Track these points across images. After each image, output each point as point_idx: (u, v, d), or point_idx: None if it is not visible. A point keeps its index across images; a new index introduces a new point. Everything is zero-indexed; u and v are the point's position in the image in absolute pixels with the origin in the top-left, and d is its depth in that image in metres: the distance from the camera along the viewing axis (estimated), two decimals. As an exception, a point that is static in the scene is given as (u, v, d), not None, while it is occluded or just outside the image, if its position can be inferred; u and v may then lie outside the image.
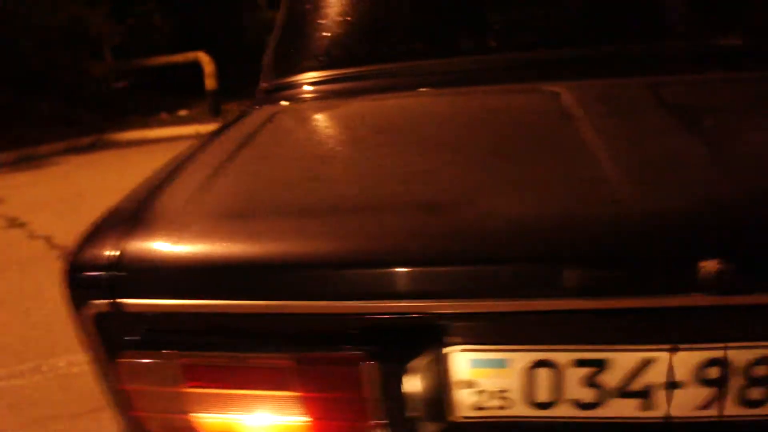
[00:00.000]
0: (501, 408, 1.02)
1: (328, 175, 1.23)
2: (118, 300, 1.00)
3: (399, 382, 0.97)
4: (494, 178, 1.12)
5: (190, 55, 9.80)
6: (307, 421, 1.01)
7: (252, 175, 1.26)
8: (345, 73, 1.79)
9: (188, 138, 8.81)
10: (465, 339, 0.99)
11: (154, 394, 1.05)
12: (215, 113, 9.77)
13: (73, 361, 2.85)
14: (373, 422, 1.00)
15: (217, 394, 1.02)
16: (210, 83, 9.75)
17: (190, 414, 1.04)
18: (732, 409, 0.97)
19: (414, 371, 0.98)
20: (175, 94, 10.69)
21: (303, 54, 1.84)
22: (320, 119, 1.60)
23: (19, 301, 3.64)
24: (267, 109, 1.71)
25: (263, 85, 1.86)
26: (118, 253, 1.02)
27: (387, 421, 1.00)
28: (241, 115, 1.77)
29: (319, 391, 0.99)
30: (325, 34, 1.87)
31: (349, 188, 1.16)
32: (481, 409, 1.02)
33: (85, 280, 1.03)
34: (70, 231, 4.67)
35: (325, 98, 1.72)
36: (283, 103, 1.75)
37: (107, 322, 1.02)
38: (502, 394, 1.01)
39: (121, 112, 9.98)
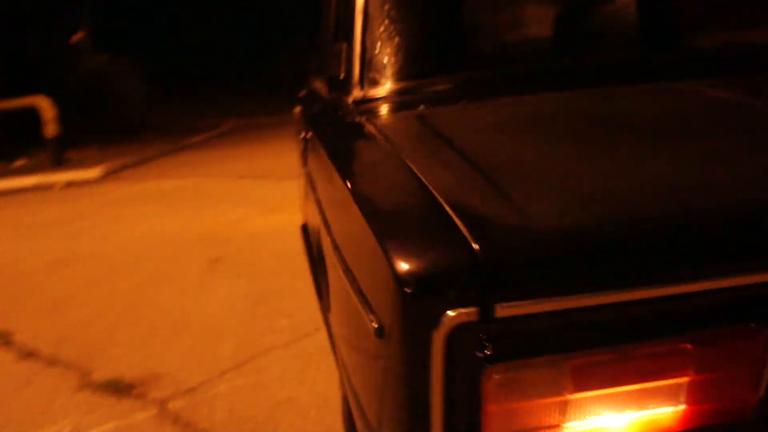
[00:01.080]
0: None
1: (608, 161, 1.19)
2: (491, 305, 0.87)
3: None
4: None
5: (27, 100, 8.97)
6: (691, 405, 0.95)
7: (524, 169, 1.17)
8: (448, 79, 1.75)
9: (30, 190, 8.05)
10: None
11: (526, 409, 0.93)
12: (57, 162, 9.00)
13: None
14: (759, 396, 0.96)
15: (607, 395, 0.92)
16: (51, 130, 8.97)
17: (564, 423, 0.94)
18: None
19: None
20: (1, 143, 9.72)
21: (399, 63, 1.77)
22: (487, 120, 1.52)
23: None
24: (393, 116, 1.62)
25: (357, 95, 1.75)
26: (482, 254, 0.89)
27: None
28: (352, 127, 1.65)
29: (712, 372, 0.94)
30: (419, 42, 1.80)
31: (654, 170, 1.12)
32: None
33: (445, 289, 0.89)
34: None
35: (440, 103, 1.66)
36: (390, 111, 1.67)
37: (468, 335, 0.89)
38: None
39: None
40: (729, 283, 0.92)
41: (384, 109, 1.69)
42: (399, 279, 0.91)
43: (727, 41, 1.85)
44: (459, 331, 0.88)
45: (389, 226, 1.03)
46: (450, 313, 0.87)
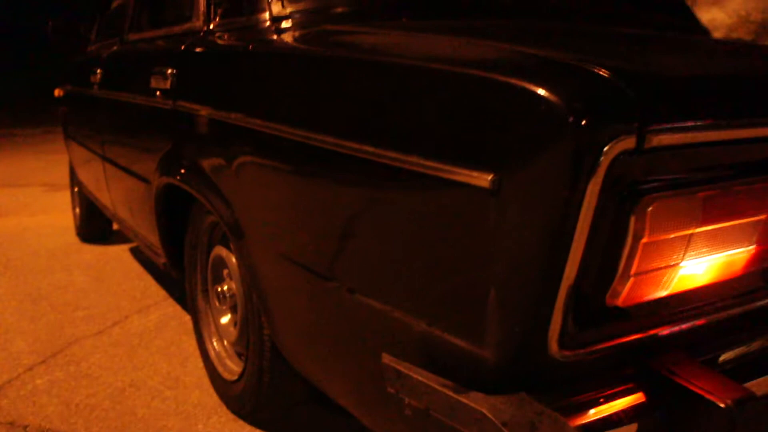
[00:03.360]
0: None
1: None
2: (645, 134, 0.84)
3: None
4: None
5: None
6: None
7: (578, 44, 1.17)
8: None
9: None
10: None
11: (668, 243, 0.92)
12: None
13: None
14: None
15: (729, 227, 0.96)
16: None
17: (689, 258, 0.96)
18: None
19: None
20: None
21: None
22: (459, 27, 1.49)
23: None
24: (347, 26, 1.52)
25: (277, 11, 1.62)
26: (631, 80, 0.88)
27: None
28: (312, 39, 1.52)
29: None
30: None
31: None
32: None
33: (611, 116, 0.84)
34: None
35: (381, 19, 1.60)
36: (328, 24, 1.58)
37: (623, 168, 0.86)
38: None
39: None
40: None
41: (313, 25, 1.58)
42: (555, 112, 0.84)
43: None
44: (615, 163, 0.84)
45: (513, 69, 0.93)
46: (606, 147, 0.83)
